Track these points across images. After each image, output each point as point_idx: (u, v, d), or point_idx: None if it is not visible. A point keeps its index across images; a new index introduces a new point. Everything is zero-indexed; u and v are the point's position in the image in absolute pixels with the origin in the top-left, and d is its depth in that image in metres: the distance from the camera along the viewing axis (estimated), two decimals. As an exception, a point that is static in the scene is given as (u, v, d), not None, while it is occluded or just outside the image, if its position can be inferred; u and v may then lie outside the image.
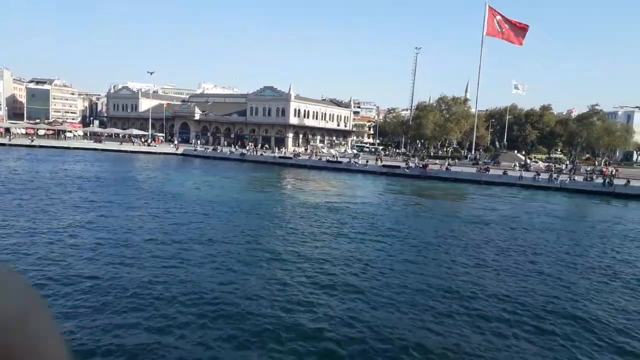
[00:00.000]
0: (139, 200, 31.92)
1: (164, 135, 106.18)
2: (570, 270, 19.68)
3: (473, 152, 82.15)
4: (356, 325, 12.64)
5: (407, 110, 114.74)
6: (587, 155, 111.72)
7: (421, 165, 62.49)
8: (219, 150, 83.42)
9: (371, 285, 16.33)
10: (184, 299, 13.73)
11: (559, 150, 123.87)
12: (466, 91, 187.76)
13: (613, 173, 58.48)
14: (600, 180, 52.78)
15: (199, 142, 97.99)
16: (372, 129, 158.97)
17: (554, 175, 54.55)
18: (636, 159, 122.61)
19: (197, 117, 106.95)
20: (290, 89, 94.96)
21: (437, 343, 11.92)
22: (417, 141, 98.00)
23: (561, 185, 53.14)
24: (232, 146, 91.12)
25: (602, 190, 51.24)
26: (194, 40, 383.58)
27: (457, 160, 73.78)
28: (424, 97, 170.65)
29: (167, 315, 12.57)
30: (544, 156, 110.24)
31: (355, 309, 13.77)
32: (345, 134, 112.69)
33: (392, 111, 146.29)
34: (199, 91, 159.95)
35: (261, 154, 78.78)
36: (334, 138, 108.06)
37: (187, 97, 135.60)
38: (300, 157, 73.84)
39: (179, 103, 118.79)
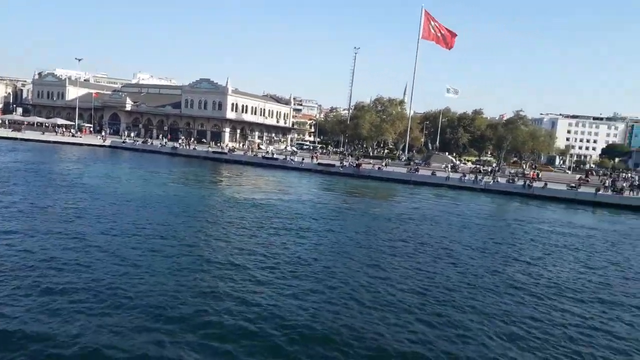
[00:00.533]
0: (47, 193, 29.77)
1: (92, 125, 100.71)
2: (477, 263, 20.51)
3: (406, 153, 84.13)
4: (252, 313, 12.62)
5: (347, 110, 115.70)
6: (515, 159, 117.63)
7: (355, 165, 63.11)
8: (149, 143, 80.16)
9: (277, 277, 16.10)
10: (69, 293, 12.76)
11: (489, 153, 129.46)
12: (405, 93, 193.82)
13: (539, 176, 61.76)
14: (521, 182, 55.44)
15: (131, 134, 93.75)
16: (313, 127, 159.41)
17: (479, 177, 56.78)
18: (558, 163, 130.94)
19: (128, 107, 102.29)
20: (227, 82, 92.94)
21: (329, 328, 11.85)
22: (355, 141, 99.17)
23: (485, 187, 55.39)
24: (163, 139, 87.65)
25: (522, 192, 53.91)
26: (131, 27, 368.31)
27: (389, 160, 75.23)
28: (367, 97, 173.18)
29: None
30: (474, 158, 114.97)
31: (257, 301, 13.43)
32: (285, 130, 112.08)
33: (333, 110, 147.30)
34: (134, 81, 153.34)
35: (194, 148, 76.48)
36: (273, 135, 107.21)
37: (120, 87, 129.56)
38: (235, 153, 72.41)
39: (110, 92, 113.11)
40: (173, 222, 23.98)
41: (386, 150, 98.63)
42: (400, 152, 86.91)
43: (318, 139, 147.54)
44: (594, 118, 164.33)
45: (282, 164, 65.76)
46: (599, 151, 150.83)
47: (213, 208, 30.24)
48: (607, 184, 56.35)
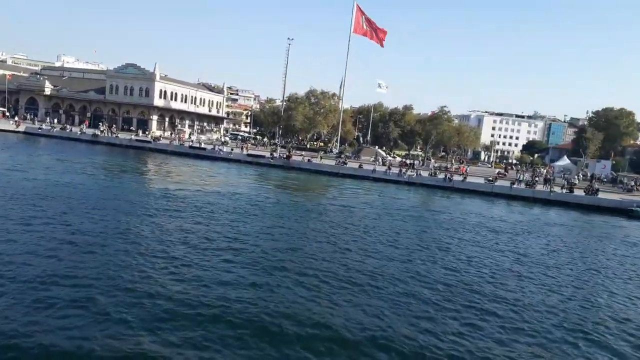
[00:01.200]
0: None
1: (5, 109, 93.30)
2: (386, 250, 21.02)
3: (339, 146, 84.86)
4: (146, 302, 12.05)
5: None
6: (443, 153, 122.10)
7: (285, 156, 62.77)
8: (68, 130, 75.41)
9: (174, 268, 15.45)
10: None
11: (419, 147, 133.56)
12: (341, 87, 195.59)
13: (467, 170, 64.29)
14: (442, 175, 57.53)
15: (48, 120, 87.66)
16: (249, 118, 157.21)
17: (403, 170, 58.34)
18: (484, 158, 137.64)
19: (47, 92, 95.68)
20: (155, 67, 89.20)
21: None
22: (289, 133, 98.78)
23: (409, 180, 56.99)
24: (83, 125, 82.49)
25: (443, 185, 55.97)
26: (57, 7, 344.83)
27: (323, 153, 75.59)
28: (305, 89, 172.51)
29: None
30: (404, 152, 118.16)
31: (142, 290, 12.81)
32: (218, 120, 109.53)
33: (270, 101, 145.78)
34: (57, 64, 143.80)
35: (116, 136, 72.79)
36: (205, 124, 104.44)
37: (40, 69, 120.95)
38: (160, 142, 69.70)
39: (28, 75, 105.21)
40: (64, 213, 22.51)
41: (321, 143, 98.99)
42: (333, 145, 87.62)
43: (254, 130, 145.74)
44: (517, 116, 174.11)
45: (209, 154, 64.14)
46: (520, 147, 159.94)
47: (120, 199, 28.76)
48: (521, 178, 59.62)
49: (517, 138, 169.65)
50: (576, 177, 68.22)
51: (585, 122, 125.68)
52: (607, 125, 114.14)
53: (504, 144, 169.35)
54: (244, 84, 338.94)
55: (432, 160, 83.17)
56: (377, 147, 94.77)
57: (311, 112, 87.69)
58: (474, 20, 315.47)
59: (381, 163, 67.94)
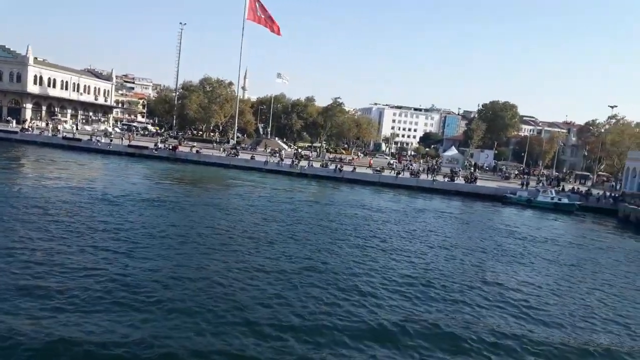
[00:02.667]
0: None
1: None
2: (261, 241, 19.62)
3: (235, 137, 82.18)
4: None
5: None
6: (345, 145, 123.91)
7: (171, 147, 59.12)
8: None
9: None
10: None
11: (323, 139, 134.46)
12: (245, 77, 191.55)
13: (373, 163, 65.02)
14: (333, 166, 57.51)
15: None
16: (146, 108, 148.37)
17: (295, 162, 57.52)
18: (385, 150, 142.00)
19: None
20: (28, 50, 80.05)
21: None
22: (186, 123, 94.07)
23: (301, 171, 56.30)
24: None
25: (334, 175, 56.01)
26: None
27: (215, 144, 72.68)
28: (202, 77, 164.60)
29: None
30: (307, 144, 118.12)
31: None
32: (106, 109, 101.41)
33: (165, 89, 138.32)
34: None
35: (-25, 126, 64.28)
36: (91, 114, 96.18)
37: None
38: (29, 132, 62.53)
39: None
40: None
41: (217, 134, 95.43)
42: (230, 136, 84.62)
43: (150, 121, 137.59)
44: (415, 109, 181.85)
45: (85, 146, 58.58)
46: (418, 139, 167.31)
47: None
48: (408, 168, 61.53)
49: (415, 130, 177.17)
50: (464, 166, 71.93)
51: (475, 115, 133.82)
52: (493, 117, 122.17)
53: (403, 136, 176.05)
54: (143, 72, 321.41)
55: (325, 151, 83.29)
56: (277, 138, 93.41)
57: (206, 101, 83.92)
58: (376, 15, 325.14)
59: (284, 155, 66.15)
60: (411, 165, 69.22)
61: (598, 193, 55.41)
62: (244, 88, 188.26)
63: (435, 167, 64.54)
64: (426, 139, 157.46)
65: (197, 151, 59.15)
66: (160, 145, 59.95)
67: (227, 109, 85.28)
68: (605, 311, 17.51)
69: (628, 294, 20.26)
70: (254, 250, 20.65)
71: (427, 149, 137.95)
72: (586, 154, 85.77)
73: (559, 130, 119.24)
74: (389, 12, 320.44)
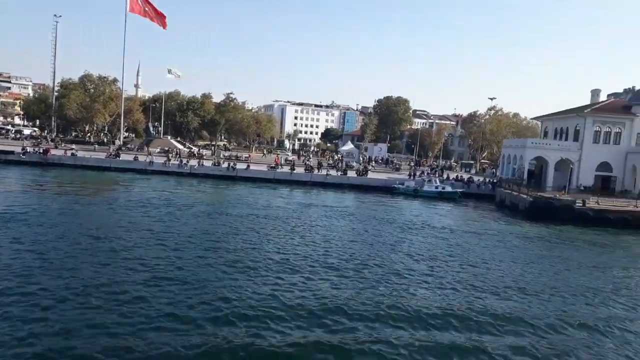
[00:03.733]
0: None
1: None
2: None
3: (121, 138, 76.66)
4: None
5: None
6: (246, 143, 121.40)
7: (41, 151, 53.37)
8: None
9: None
10: None
11: (223, 137, 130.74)
12: (138, 74, 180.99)
13: (277, 161, 63.34)
14: (225, 165, 55.53)
15: None
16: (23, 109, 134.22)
17: (184, 161, 54.76)
18: (289, 146, 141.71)
19: None
20: None
21: None
22: (69, 124, 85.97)
23: (191, 171, 53.69)
24: None
25: (227, 174, 54.10)
26: None
27: (97, 146, 67.21)
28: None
29: None
30: (206, 142, 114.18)
31: None
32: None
33: (45, 88, 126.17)
34: None
35: None
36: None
37: None
38: None
39: None
40: None
41: (101, 134, 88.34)
42: (116, 136, 78.69)
43: (30, 123, 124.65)
44: (316, 105, 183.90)
45: None
46: (320, 135, 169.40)
47: None
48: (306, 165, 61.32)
49: (317, 126, 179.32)
50: (359, 159, 73.36)
51: (371, 110, 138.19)
52: (388, 112, 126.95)
53: (306, 132, 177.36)
54: (22, 71, 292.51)
55: (220, 149, 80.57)
56: (170, 137, 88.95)
57: (87, 99, 77.23)
58: (272, 13, 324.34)
59: (173, 154, 62.28)
60: (308, 160, 69.18)
61: (479, 180, 59.21)
62: (137, 86, 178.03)
63: (339, 162, 65.16)
64: (327, 134, 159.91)
65: (72, 154, 54.00)
66: (29, 149, 53.81)
67: (112, 108, 79.16)
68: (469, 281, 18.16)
69: (485, 267, 21.26)
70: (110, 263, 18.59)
71: (328, 145, 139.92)
72: (471, 143, 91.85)
73: (447, 122, 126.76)
74: (285, 10, 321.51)
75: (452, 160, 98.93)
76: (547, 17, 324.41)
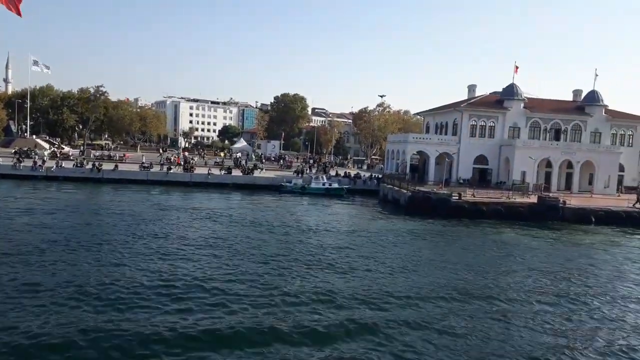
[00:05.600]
0: None
1: None
2: None
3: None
4: None
5: None
6: (133, 142, 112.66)
7: None
8: None
9: None
10: None
11: (106, 136, 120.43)
12: (7, 67, 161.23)
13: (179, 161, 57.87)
14: (90, 166, 49.52)
15: None
16: None
17: (39, 163, 47.87)
18: (183, 145, 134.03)
19: None
20: None
21: None
22: None
23: (47, 173, 47.09)
24: None
25: (92, 176, 48.31)
26: None
27: None
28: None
29: None
30: (89, 142, 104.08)
31: None
32: None
33: None
34: None
35: None
36: None
37: None
38: None
39: None
40: None
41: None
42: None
43: None
44: (212, 102, 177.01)
45: None
46: (217, 132, 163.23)
47: None
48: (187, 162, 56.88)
49: (214, 124, 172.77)
50: (251, 157, 70.14)
51: (269, 107, 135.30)
52: (285, 109, 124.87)
53: (203, 130, 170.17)
54: None
55: (90, 149, 72.59)
56: (35, 136, 79.10)
57: None
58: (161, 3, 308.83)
59: (41, 156, 53.81)
60: (192, 159, 64.54)
61: (364, 175, 58.91)
62: (6, 80, 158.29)
63: (224, 160, 61.32)
64: (225, 132, 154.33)
65: None
66: None
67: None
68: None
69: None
70: None
71: (225, 142, 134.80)
72: (361, 139, 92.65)
73: (340, 120, 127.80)
74: (183, 4, 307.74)
75: (348, 157, 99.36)
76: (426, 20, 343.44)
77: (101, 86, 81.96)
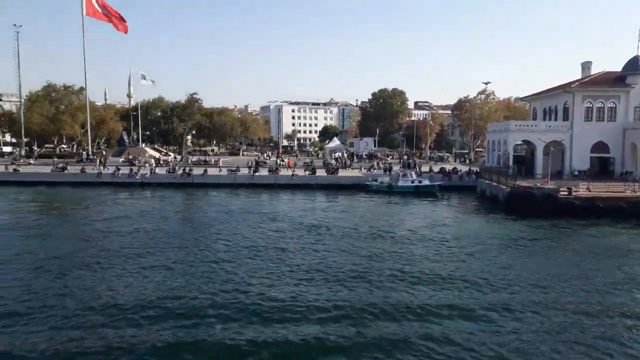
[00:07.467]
0: None
1: None
2: None
3: (89, 148, 72.47)
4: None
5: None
6: (237, 146, 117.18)
7: (-19, 169, 49.64)
8: None
9: None
10: None
11: (213, 142, 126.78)
12: (130, 83, 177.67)
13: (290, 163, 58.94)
14: (180, 171, 50.99)
15: None
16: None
17: (134, 170, 50.41)
18: (285, 147, 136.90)
19: None
20: None
21: None
22: (31, 137, 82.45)
23: (143, 180, 49.36)
24: None
25: (182, 182, 49.69)
26: None
27: (55, 159, 63.17)
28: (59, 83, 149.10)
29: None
30: (193, 149, 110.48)
31: None
32: None
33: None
34: None
35: None
36: None
37: None
38: None
39: None
40: None
41: (74, 146, 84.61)
42: (86, 147, 74.62)
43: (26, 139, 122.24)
44: (313, 104, 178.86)
45: None
46: (318, 133, 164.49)
47: None
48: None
49: (316, 125, 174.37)
50: (333, 156, 68.29)
51: (366, 104, 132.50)
52: (383, 105, 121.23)
53: (305, 132, 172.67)
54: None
55: (185, 154, 75.88)
56: (145, 145, 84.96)
57: (53, 110, 73.50)
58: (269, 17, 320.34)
59: (150, 164, 57.22)
60: (283, 160, 64.32)
61: (461, 170, 53.65)
62: (129, 95, 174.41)
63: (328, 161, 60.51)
64: (325, 132, 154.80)
65: (14, 169, 50.17)
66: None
67: (81, 118, 75.34)
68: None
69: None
70: None
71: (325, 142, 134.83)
72: (463, 131, 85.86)
73: (443, 112, 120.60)
74: (279, 11, 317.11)
75: (452, 151, 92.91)
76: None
77: (195, 94, 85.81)
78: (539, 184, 35.51)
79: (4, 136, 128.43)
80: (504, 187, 37.14)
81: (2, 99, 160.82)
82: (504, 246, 24.74)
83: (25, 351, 12.15)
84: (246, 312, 14.87)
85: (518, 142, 48.70)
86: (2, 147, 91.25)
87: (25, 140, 79.93)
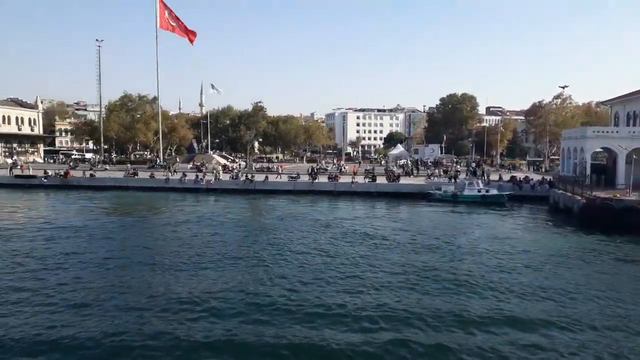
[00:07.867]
0: None
1: None
2: None
3: (161, 155, 76.18)
4: None
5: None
6: (306, 153, 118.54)
7: (62, 174, 53.23)
8: None
9: None
10: None
11: (279, 149, 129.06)
12: (202, 92, 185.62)
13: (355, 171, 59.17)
14: (243, 178, 51.92)
15: None
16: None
17: (200, 176, 51.95)
18: (351, 154, 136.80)
19: None
20: None
21: None
22: (110, 144, 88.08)
23: (208, 186, 50.74)
24: None
25: (245, 188, 50.50)
26: None
27: (130, 166, 66.86)
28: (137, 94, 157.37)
29: None
30: (258, 156, 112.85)
31: None
32: (34, 139, 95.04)
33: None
34: None
35: None
36: (15, 145, 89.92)
37: None
38: None
39: None
40: None
41: (147, 153, 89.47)
42: (160, 154, 78.56)
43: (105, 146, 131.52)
44: (378, 110, 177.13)
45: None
46: (383, 140, 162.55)
47: None
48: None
49: (381, 132, 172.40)
50: (397, 163, 66.77)
51: (435, 111, 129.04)
52: (452, 110, 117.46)
53: (369, 138, 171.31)
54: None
55: (250, 161, 76.96)
56: (213, 152, 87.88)
57: (129, 118, 78.13)
58: (346, 22, 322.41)
59: (217, 170, 59.00)
60: (343, 167, 63.77)
61: (532, 179, 50.30)
62: (201, 104, 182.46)
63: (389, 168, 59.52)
64: (390, 139, 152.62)
65: (91, 175, 53.43)
66: (50, 172, 53.94)
67: (154, 126, 79.44)
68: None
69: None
70: None
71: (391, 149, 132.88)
72: (535, 137, 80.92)
73: (517, 118, 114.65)
74: (345, 19, 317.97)
75: (526, 158, 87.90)
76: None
77: (259, 102, 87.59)
78: (618, 195, 32.30)
79: (87, 143, 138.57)
80: (579, 197, 34.19)
81: (87, 109, 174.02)
82: (573, 262, 22.55)
83: (83, 339, 13.25)
84: (290, 315, 15.17)
85: (597, 150, 44.88)
86: (84, 153, 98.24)
87: (104, 147, 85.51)
